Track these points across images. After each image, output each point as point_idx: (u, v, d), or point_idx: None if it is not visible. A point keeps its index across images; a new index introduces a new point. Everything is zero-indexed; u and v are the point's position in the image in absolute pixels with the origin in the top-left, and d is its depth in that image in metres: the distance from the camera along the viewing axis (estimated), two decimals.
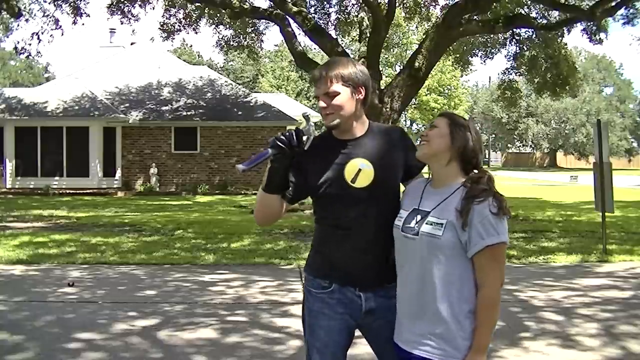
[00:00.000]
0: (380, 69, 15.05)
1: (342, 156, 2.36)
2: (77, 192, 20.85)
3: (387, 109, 13.05)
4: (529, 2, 16.24)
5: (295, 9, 14.14)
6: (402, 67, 17.74)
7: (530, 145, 60.13)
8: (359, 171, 2.33)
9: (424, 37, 15.87)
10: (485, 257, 2.10)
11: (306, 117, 2.34)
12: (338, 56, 2.34)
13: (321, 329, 2.41)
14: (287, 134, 2.25)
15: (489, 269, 2.12)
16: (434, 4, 17.89)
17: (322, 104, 2.34)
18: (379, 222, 2.35)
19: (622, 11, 15.28)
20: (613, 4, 14.01)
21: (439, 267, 2.14)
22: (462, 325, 2.13)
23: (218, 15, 17.58)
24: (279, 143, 2.24)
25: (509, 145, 60.68)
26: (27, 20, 17.42)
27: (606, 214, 8.96)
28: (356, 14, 17.41)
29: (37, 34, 17.11)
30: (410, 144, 2.48)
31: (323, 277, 2.41)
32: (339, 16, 17.93)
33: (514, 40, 18.20)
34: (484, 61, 20.29)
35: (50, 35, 17.78)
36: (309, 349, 2.48)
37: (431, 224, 2.15)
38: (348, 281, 2.38)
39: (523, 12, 16.22)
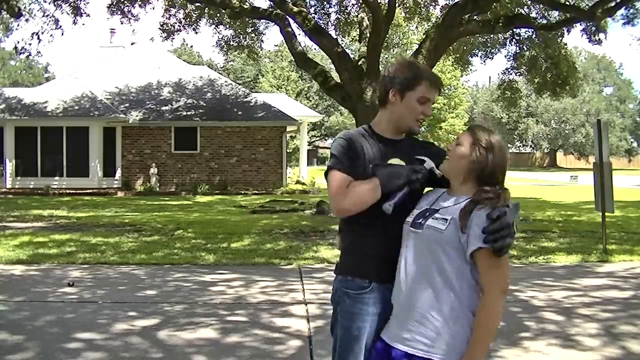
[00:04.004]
0: (380, 69, 15.03)
1: (383, 153, 2.43)
2: (77, 192, 20.85)
3: None
4: (529, 2, 16.24)
5: (295, 9, 14.14)
6: None
7: (530, 145, 60.14)
8: None
9: (424, 37, 15.86)
10: (481, 259, 2.09)
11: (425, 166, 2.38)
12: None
13: (359, 330, 2.38)
14: (421, 176, 2.31)
15: (486, 273, 2.10)
16: (434, 4, 17.88)
17: (428, 111, 2.44)
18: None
19: (622, 11, 15.28)
20: (613, 4, 14.01)
21: (438, 261, 2.15)
22: (453, 322, 2.11)
23: (218, 15, 17.57)
24: (416, 182, 2.32)
25: (509, 145, 60.60)
26: (27, 20, 17.41)
27: (606, 214, 8.95)
28: (356, 14, 17.38)
29: (37, 34, 17.11)
30: (444, 154, 2.51)
31: (362, 277, 2.40)
32: (339, 16, 17.92)
33: (514, 40, 18.18)
34: (484, 61, 20.29)
35: (50, 35, 17.77)
36: (341, 354, 2.42)
37: (436, 219, 2.19)
38: (388, 277, 2.36)
39: (523, 12, 16.22)
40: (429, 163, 2.34)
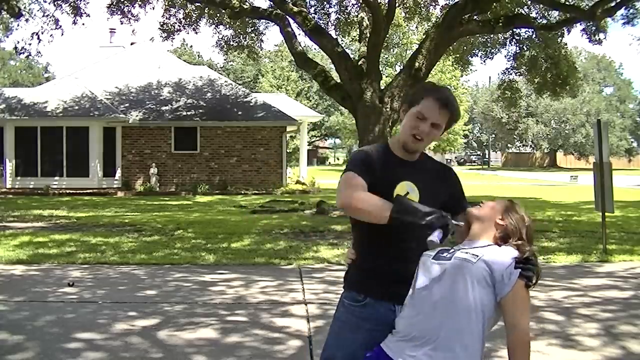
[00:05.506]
0: (380, 69, 15.04)
1: (395, 174, 2.41)
2: (77, 192, 20.84)
3: (387, 109, 13.04)
4: (529, 2, 16.24)
5: (295, 9, 14.14)
6: (402, 67, 17.72)
7: (530, 145, 60.15)
8: (406, 194, 2.37)
9: (424, 37, 15.87)
10: (514, 293, 2.15)
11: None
12: (443, 88, 2.42)
13: (345, 339, 2.41)
14: (439, 233, 2.21)
15: (518, 306, 2.16)
16: (434, 4, 17.89)
17: (424, 127, 2.37)
18: (413, 240, 2.39)
19: (622, 11, 15.30)
20: (613, 4, 14.02)
21: (463, 292, 2.15)
22: (468, 350, 2.15)
23: (218, 15, 17.57)
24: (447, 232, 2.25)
25: (509, 145, 60.64)
26: (27, 20, 17.44)
27: (606, 214, 8.96)
28: (356, 14, 17.39)
29: (37, 34, 17.12)
30: (460, 187, 2.55)
31: (357, 290, 2.44)
32: (339, 16, 17.92)
33: (514, 40, 18.18)
34: (484, 61, 20.30)
35: (50, 35, 17.82)
36: (326, 358, 2.47)
37: (467, 253, 2.22)
38: (382, 294, 2.39)
39: (523, 12, 16.22)
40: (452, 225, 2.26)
